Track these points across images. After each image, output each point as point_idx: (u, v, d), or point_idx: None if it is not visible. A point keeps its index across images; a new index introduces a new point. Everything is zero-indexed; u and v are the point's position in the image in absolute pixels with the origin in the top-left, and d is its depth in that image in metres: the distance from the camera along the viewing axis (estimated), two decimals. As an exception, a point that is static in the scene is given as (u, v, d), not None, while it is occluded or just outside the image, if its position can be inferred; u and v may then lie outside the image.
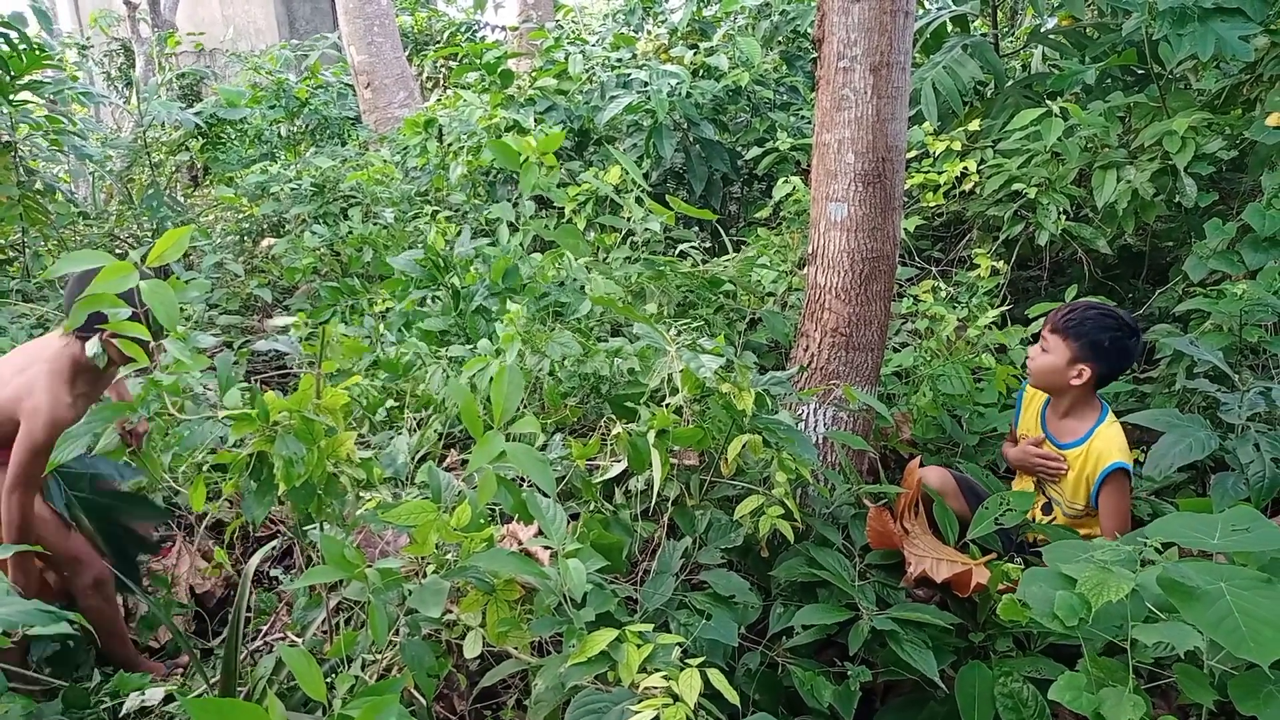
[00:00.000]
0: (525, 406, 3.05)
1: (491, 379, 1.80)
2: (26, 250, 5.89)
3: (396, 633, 1.89)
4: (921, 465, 2.90)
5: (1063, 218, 4.08)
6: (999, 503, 2.67)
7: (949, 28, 5.12)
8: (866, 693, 2.48)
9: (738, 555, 2.55)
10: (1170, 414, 2.80)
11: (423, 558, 1.86)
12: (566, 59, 6.07)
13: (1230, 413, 2.74)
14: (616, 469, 2.47)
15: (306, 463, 1.79)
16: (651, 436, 2.30)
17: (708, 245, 5.09)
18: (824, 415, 3.04)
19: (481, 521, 1.80)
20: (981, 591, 2.38)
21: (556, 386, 2.95)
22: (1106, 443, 2.77)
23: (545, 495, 1.91)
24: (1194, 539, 1.83)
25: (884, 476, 3.26)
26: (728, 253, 4.71)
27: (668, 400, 2.46)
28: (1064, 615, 1.74)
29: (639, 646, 1.73)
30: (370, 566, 1.73)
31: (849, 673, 2.26)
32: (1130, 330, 2.74)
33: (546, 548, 1.89)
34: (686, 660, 1.75)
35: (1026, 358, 2.87)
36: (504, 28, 10.40)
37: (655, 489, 2.32)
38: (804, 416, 3.03)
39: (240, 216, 6.16)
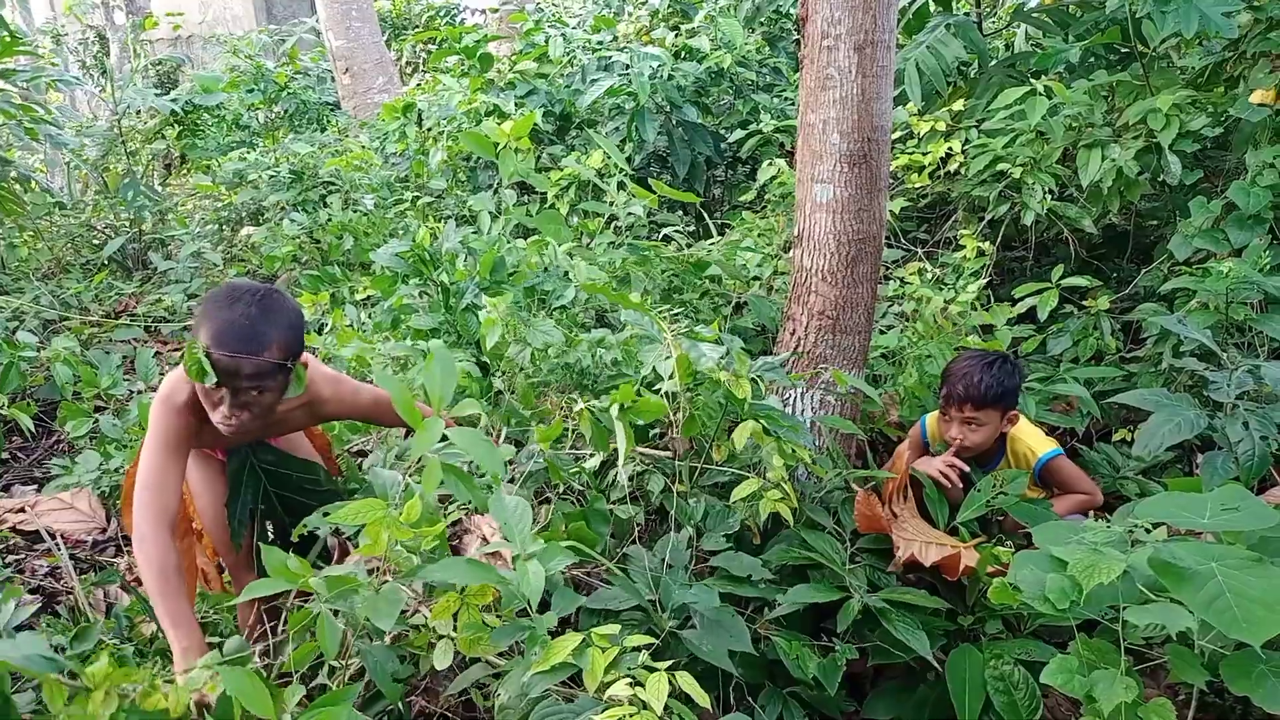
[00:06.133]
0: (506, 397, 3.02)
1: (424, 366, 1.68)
2: (1, 241, 5.81)
3: (369, 639, 1.82)
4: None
5: (1048, 197, 4.06)
6: (990, 484, 2.67)
7: (932, 7, 5.07)
8: (858, 677, 2.48)
9: (731, 543, 2.53)
10: (1158, 393, 2.79)
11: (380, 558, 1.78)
12: (547, 42, 6.01)
13: (1218, 391, 2.73)
14: (598, 459, 2.43)
15: None
16: (615, 411, 2.26)
17: (692, 229, 5.06)
18: (811, 399, 3.02)
19: (433, 515, 1.72)
20: (971, 575, 2.37)
21: (531, 381, 2.90)
22: (1021, 442, 2.92)
23: (493, 480, 1.81)
24: (1184, 519, 1.82)
25: (872, 459, 3.25)
26: (712, 236, 4.68)
27: (658, 387, 2.43)
28: (1055, 598, 1.72)
29: (604, 651, 1.66)
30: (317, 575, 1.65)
31: (836, 648, 2.25)
32: (1011, 358, 2.90)
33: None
34: (654, 664, 1.68)
35: (954, 441, 2.85)
36: (484, 11, 10.30)
37: (621, 464, 2.27)
38: (791, 400, 3.01)
39: (218, 205, 6.08)
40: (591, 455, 2.46)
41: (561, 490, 2.56)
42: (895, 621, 2.22)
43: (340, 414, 2.52)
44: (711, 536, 2.42)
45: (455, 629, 1.75)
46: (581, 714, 1.62)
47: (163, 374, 4.21)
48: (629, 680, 1.63)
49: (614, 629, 1.74)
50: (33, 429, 3.85)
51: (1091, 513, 2.71)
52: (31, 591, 3.24)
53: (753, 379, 2.44)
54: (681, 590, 2.14)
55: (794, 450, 2.44)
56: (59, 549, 3.18)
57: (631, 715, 1.55)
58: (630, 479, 2.43)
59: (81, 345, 4.57)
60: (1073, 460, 3.07)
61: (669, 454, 2.56)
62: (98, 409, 3.88)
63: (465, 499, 1.64)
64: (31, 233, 6.15)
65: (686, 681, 1.66)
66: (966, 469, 2.81)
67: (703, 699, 1.65)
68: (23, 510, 3.64)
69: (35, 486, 4.02)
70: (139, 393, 3.93)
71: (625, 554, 2.30)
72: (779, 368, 2.58)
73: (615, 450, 2.29)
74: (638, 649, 1.71)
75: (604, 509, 2.38)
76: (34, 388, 4.35)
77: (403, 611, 1.85)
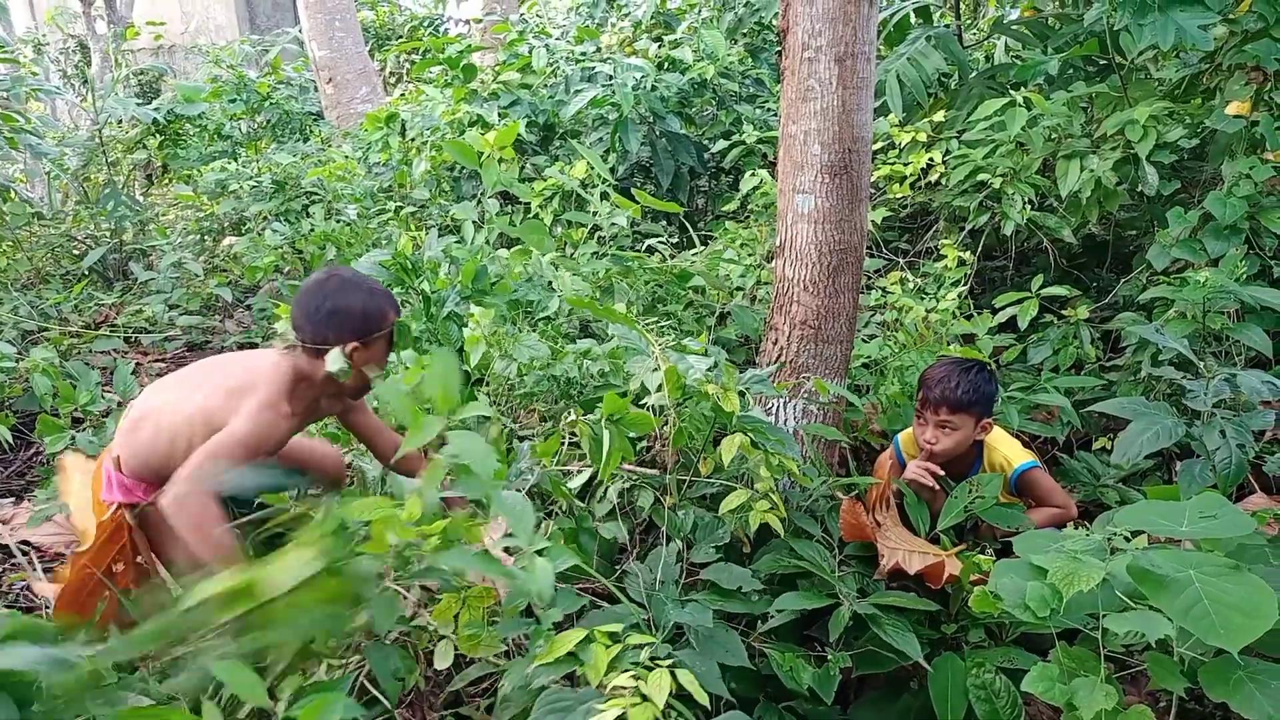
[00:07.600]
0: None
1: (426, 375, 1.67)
2: (-21, 252, 5.76)
3: (368, 635, 1.82)
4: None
5: (1028, 207, 4.09)
6: (966, 490, 2.68)
7: (912, 19, 5.12)
8: (842, 686, 2.48)
9: (720, 554, 2.53)
10: (1137, 402, 2.81)
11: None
12: (530, 53, 6.02)
13: (1196, 399, 2.76)
14: (584, 475, 2.43)
15: None
16: (604, 422, 2.25)
17: (675, 239, 5.07)
18: (794, 408, 3.03)
19: (433, 515, 1.71)
20: (954, 583, 2.38)
21: (518, 394, 2.90)
22: (997, 452, 2.91)
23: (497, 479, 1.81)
24: (1162, 526, 1.83)
25: (854, 468, 3.26)
26: (696, 246, 4.70)
27: (645, 400, 2.43)
28: (1035, 606, 1.73)
29: (607, 647, 1.68)
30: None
31: (829, 657, 2.25)
32: (988, 366, 2.90)
33: (510, 552, 1.83)
34: (656, 660, 1.70)
35: (927, 446, 2.82)
36: (467, 21, 10.31)
37: (604, 471, 2.27)
38: (773, 410, 3.01)
39: (200, 215, 6.06)
40: (578, 472, 2.46)
41: (561, 507, 2.55)
42: (885, 625, 2.22)
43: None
44: (701, 548, 2.42)
45: (455, 630, 1.77)
46: (585, 702, 1.63)
47: (143, 389, 4.19)
48: (631, 675, 1.65)
49: (617, 627, 1.76)
50: (11, 440, 3.81)
51: (1070, 524, 2.73)
52: (9, 606, 3.21)
53: (740, 391, 2.44)
54: (675, 609, 2.14)
55: (781, 462, 2.45)
56: (33, 568, 3.14)
57: (633, 705, 1.56)
58: (619, 494, 2.43)
59: (61, 356, 4.54)
60: (1053, 469, 3.08)
61: (656, 471, 2.55)
62: (76, 422, 3.84)
63: (473, 493, 1.62)
64: (11, 243, 6.11)
65: (687, 679, 1.67)
66: (941, 472, 2.80)
67: (702, 697, 1.67)
68: (1, 524, 3.60)
69: (13, 499, 3.98)
70: (119, 405, 3.90)
71: (623, 572, 2.29)
72: (765, 380, 2.59)
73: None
74: (639, 646, 1.73)
75: (591, 526, 2.37)
76: (12, 399, 4.31)
77: (404, 617, 1.85)
